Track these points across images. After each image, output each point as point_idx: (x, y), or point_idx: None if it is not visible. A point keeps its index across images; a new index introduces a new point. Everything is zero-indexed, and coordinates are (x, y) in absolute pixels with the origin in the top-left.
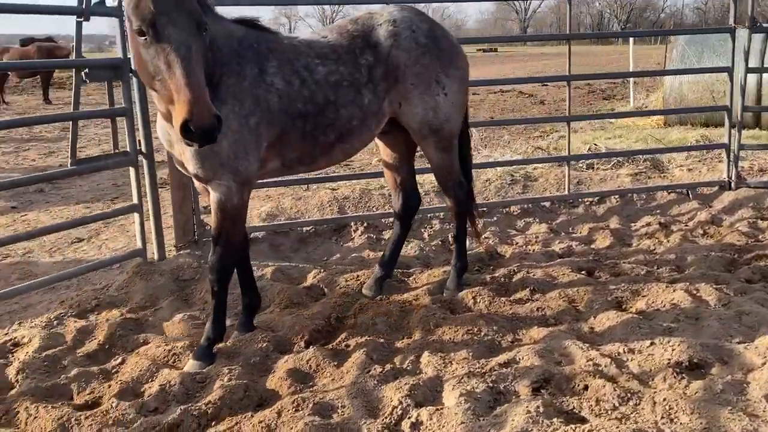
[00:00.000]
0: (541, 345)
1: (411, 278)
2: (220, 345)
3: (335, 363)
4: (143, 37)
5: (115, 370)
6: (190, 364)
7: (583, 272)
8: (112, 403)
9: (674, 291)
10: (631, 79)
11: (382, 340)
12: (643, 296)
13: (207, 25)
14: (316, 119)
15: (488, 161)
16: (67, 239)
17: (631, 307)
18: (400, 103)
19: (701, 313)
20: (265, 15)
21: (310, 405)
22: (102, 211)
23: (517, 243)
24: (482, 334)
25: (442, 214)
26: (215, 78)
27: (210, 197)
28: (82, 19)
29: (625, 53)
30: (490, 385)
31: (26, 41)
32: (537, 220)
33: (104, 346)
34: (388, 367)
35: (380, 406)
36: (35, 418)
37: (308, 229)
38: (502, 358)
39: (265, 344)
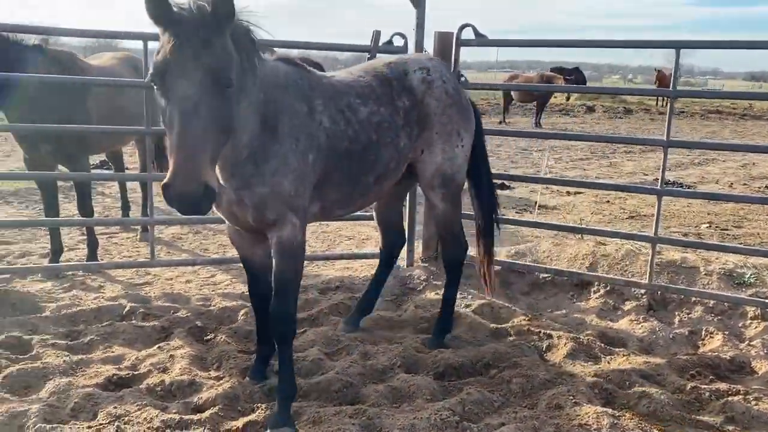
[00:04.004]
0: None
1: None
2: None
3: (391, 404)
4: (155, 87)
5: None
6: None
7: None
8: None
9: None
10: None
11: (461, 406)
12: None
13: (232, 81)
14: (360, 160)
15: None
16: None
17: None
18: (422, 150)
19: None
20: None
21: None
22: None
23: None
24: None
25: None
26: (270, 118)
27: (273, 242)
28: (369, 56)
29: None
30: None
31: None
32: None
33: None
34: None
35: None
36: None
37: (546, 276)
38: None
39: (395, 357)
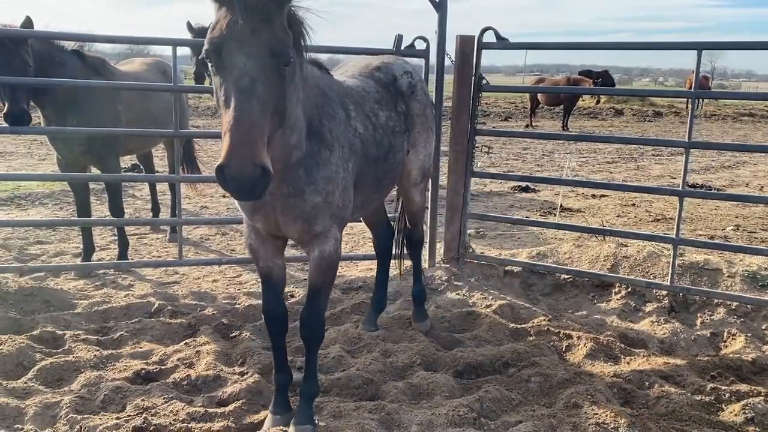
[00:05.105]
0: None
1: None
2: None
3: (410, 400)
4: (209, 64)
5: None
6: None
7: None
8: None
9: None
10: None
11: (479, 403)
12: None
13: (291, 58)
14: (384, 164)
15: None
16: None
17: None
18: (409, 150)
19: None
20: None
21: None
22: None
23: None
24: None
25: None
26: (315, 123)
27: (313, 255)
28: None
29: None
30: None
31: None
32: None
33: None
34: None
35: None
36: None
37: (567, 277)
38: None
39: (414, 354)
